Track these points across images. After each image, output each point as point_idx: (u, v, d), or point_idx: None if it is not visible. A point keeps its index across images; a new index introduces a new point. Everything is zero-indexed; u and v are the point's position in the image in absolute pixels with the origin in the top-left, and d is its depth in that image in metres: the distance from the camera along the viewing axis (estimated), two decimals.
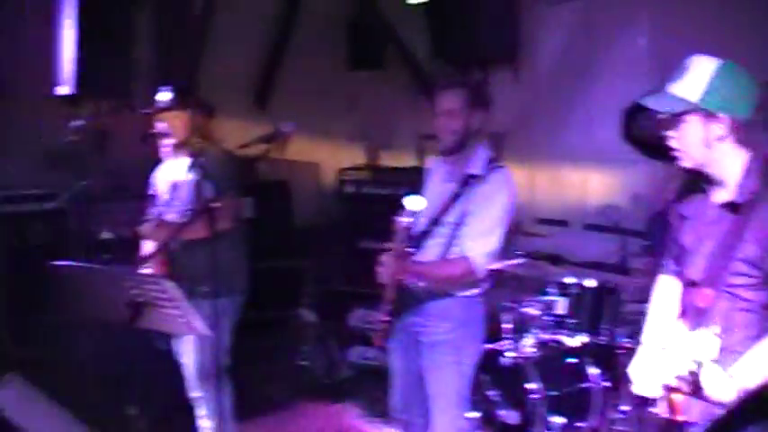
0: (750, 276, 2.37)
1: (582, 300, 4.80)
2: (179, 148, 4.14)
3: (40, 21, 5.76)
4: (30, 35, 6.46)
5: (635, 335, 4.16)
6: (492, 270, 3.52)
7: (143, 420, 3.36)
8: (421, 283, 3.44)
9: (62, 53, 5.39)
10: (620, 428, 4.35)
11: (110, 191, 7.15)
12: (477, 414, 4.33)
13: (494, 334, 4.94)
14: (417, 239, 3.47)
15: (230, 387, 4.09)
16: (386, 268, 3.32)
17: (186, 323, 2.88)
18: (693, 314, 2.45)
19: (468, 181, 3.41)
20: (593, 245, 5.69)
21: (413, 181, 6.29)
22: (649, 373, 2.51)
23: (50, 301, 5.85)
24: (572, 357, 4.65)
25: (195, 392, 4.10)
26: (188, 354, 4.08)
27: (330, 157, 8.96)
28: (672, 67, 2.52)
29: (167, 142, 4.13)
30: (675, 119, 2.46)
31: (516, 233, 5.26)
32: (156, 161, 4.39)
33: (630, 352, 3.66)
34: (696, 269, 2.50)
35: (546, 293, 4.95)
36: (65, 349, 5.56)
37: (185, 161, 4.13)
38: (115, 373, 5.22)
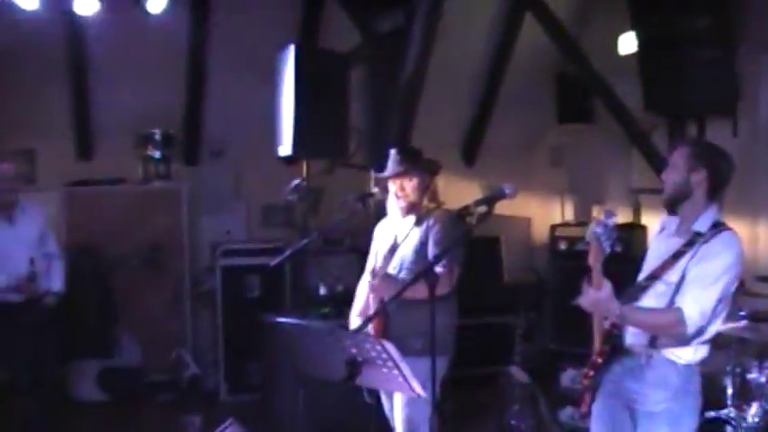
0: None
1: None
2: (411, 209, 4.21)
3: (260, 82, 6.06)
4: (251, 95, 6.86)
5: None
6: (704, 332, 3.29)
7: None
8: (626, 336, 3.28)
9: (282, 115, 5.62)
10: None
11: (324, 247, 7.41)
12: None
13: (716, 401, 4.64)
14: (634, 293, 3.32)
15: None
16: (585, 298, 3.17)
17: (403, 383, 2.88)
18: None
19: (693, 240, 3.26)
20: None
21: (626, 238, 6.15)
22: None
23: (265, 351, 6.12)
24: None
25: None
26: (397, 409, 4.09)
27: (538, 212, 8.86)
28: None
29: (398, 203, 4.20)
30: None
31: (738, 292, 4.94)
32: (372, 220, 4.48)
33: None
34: None
35: None
36: (277, 397, 5.73)
37: (410, 220, 4.19)
38: (323, 422, 5.35)
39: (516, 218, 8.64)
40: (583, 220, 7.95)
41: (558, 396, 6.04)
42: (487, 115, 8.58)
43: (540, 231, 8.54)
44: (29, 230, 5.52)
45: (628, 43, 7.01)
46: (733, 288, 3.25)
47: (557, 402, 5.95)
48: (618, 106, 7.24)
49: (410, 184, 4.17)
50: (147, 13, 6.27)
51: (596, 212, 3.15)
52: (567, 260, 7.39)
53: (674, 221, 3.47)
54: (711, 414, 4.59)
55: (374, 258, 4.45)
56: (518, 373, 5.62)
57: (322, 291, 5.96)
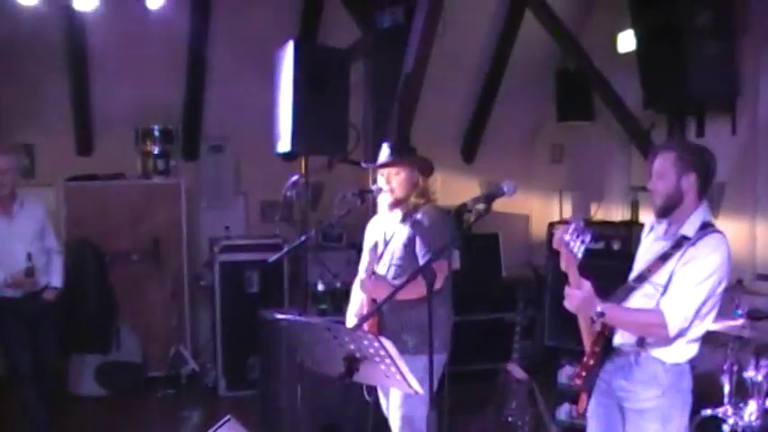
0: None
1: None
2: (397, 204, 4.18)
3: (260, 77, 6.05)
4: (251, 91, 6.85)
5: None
6: (686, 333, 3.29)
7: None
8: (615, 336, 3.31)
9: (281, 111, 5.60)
10: None
11: (322, 243, 7.41)
12: None
13: (712, 398, 4.63)
14: (622, 294, 3.34)
15: None
16: (569, 301, 3.18)
17: (401, 380, 2.89)
18: None
19: (680, 242, 3.27)
20: None
21: (624, 235, 6.14)
22: None
23: (263, 347, 6.12)
24: None
25: None
26: (394, 407, 4.09)
27: (537, 209, 8.86)
28: None
29: (385, 198, 4.17)
30: None
31: (736, 290, 4.93)
32: (371, 216, 4.46)
33: None
34: None
35: None
36: (275, 393, 5.72)
37: (397, 215, 4.17)
38: (322, 418, 5.34)
39: (515, 215, 8.64)
40: (582, 217, 7.94)
41: (556, 393, 6.04)
42: (487, 111, 8.58)
43: (539, 228, 8.53)
44: (27, 225, 5.51)
45: (627, 41, 7.00)
46: (720, 289, 3.25)
47: (555, 399, 5.96)
48: (617, 103, 7.24)
49: (397, 178, 4.13)
50: (146, 8, 6.25)
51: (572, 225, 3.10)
52: None
53: (662, 223, 3.47)
54: (708, 412, 4.58)
55: (366, 256, 4.45)
56: (516, 370, 5.61)
57: (320, 287, 5.96)
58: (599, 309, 3.15)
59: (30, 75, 7.07)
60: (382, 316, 4.03)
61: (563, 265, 3.19)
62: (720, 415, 4.51)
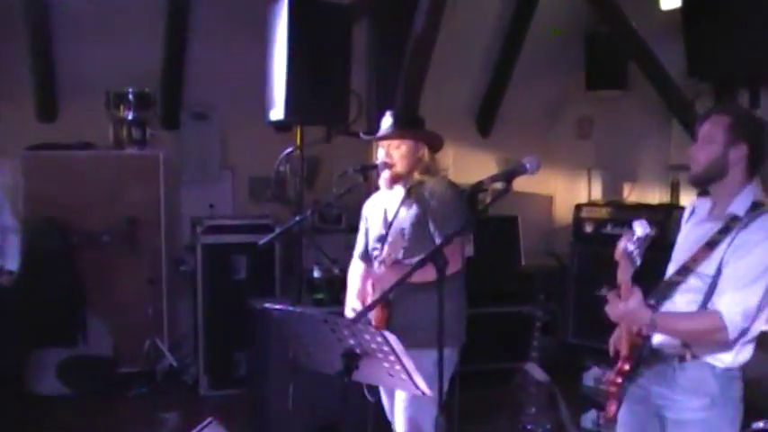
0: None
1: None
2: (396, 179, 4.20)
3: (250, 36, 6.06)
4: (239, 51, 6.85)
5: None
6: (747, 333, 3.29)
7: None
8: (655, 335, 3.28)
9: (274, 75, 5.62)
10: None
11: (319, 225, 7.43)
12: None
13: (765, 410, 4.65)
14: (665, 290, 3.32)
15: None
16: (612, 309, 3.18)
17: (407, 379, 2.91)
18: None
19: (729, 224, 3.23)
20: None
21: (662, 220, 6.16)
22: None
23: (251, 341, 6.16)
24: None
25: None
26: (399, 409, 4.12)
27: (561, 190, 8.88)
28: None
29: (386, 173, 4.20)
30: None
31: None
32: (372, 193, 4.49)
33: None
34: None
35: None
36: (264, 392, 5.77)
37: (399, 192, 4.21)
38: (316, 420, 5.39)
39: (537, 195, 8.68)
40: (613, 199, 7.97)
41: (580, 397, 6.08)
42: (506, 80, 8.58)
43: (564, 211, 8.56)
44: None
45: None
46: None
47: (579, 405, 5.99)
48: (657, 70, 7.22)
49: (398, 152, 4.15)
50: None
51: (638, 228, 3.02)
52: (592, 244, 7.38)
53: (705, 204, 3.42)
54: (760, 425, 4.59)
55: (363, 239, 4.48)
56: (535, 371, 5.66)
57: (316, 274, 6.00)
58: (648, 321, 3.11)
59: None
60: (390, 306, 4.05)
61: (619, 276, 3.13)
62: None
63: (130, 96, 7.30)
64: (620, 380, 3.32)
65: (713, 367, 3.22)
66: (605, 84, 8.20)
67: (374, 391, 4.22)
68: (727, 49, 6.27)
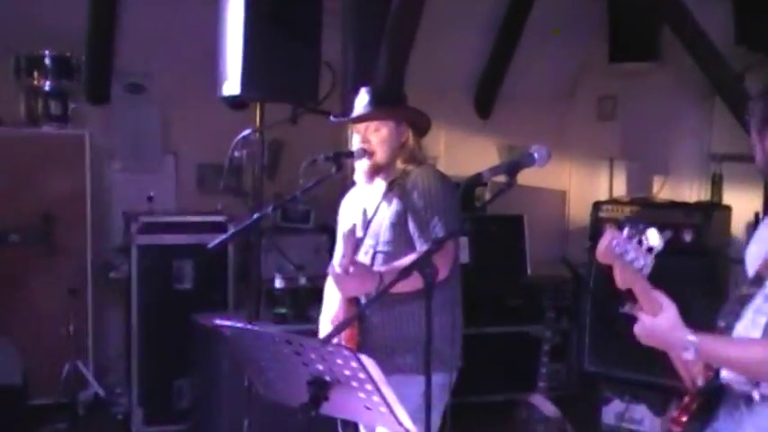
0: None
1: None
2: (376, 171, 4.23)
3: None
4: (185, 11, 6.86)
5: None
6: None
7: None
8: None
9: (227, 40, 5.64)
10: None
11: (283, 223, 7.45)
12: None
13: None
14: (735, 306, 3.28)
15: None
16: (645, 330, 3.11)
17: (386, 414, 2.91)
18: None
19: None
20: None
21: (701, 223, 6.19)
22: None
23: (197, 365, 6.19)
24: None
25: None
26: None
27: (577, 184, 8.94)
28: None
29: (363, 162, 4.23)
30: None
31: None
32: (347, 186, 4.53)
33: None
34: None
35: None
36: (212, 428, 5.81)
37: (380, 186, 4.24)
38: None
39: (547, 191, 8.73)
40: (639, 196, 8.00)
41: None
42: (511, 49, 8.62)
43: (579, 210, 8.60)
44: None
45: None
46: None
47: None
48: (696, 36, 7.22)
49: (377, 136, 4.16)
50: None
51: (652, 237, 2.87)
52: None
53: None
54: None
55: (342, 246, 4.50)
56: (543, 404, 5.72)
57: (279, 283, 6.02)
58: (687, 345, 2.92)
59: None
60: (368, 323, 4.06)
61: (619, 283, 2.97)
62: None
63: (47, 61, 7.21)
64: (684, 418, 3.25)
65: None
66: (633, 55, 8.21)
67: (349, 427, 4.26)
68: None
